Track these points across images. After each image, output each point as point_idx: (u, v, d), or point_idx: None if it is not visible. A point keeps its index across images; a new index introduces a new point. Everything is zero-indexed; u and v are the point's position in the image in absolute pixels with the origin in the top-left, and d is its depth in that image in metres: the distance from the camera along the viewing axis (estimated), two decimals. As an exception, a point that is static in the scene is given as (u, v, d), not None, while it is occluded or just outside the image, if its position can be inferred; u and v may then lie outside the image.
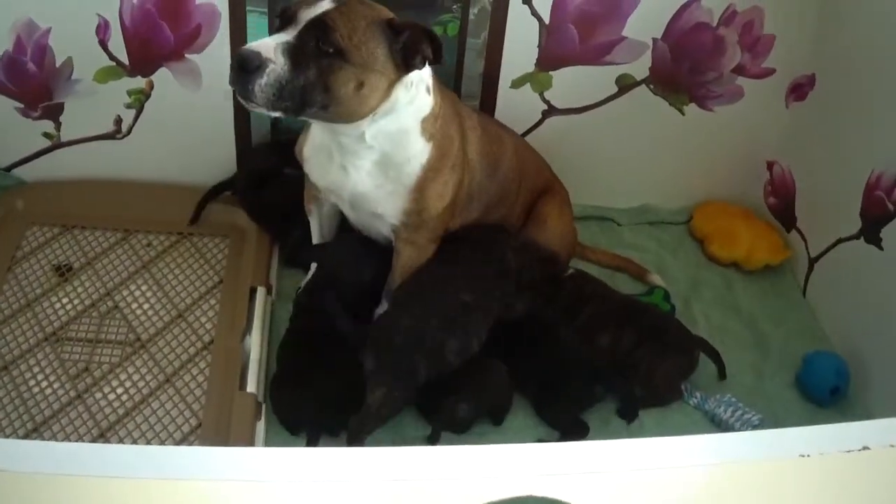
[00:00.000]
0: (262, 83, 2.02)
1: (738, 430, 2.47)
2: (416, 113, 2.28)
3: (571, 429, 2.48)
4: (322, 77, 2.07)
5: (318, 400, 2.36)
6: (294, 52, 2.04)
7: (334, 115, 2.16)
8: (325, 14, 2.06)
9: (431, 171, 2.33)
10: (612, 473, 1.37)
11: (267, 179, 2.86)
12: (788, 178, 3.07)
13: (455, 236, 2.55)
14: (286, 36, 2.06)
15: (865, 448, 1.42)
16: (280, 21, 2.12)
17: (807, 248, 2.99)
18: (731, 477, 1.41)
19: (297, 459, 1.35)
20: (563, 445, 1.41)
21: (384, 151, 2.28)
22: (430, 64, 2.21)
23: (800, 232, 3.04)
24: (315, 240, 2.71)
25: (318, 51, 2.06)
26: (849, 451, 1.42)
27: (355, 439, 2.27)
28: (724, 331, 2.85)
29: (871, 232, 2.65)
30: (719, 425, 2.53)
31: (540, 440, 2.47)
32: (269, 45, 2.03)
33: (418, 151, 2.31)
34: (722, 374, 2.63)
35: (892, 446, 1.43)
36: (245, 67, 2.01)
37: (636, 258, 3.06)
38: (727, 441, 1.50)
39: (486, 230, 2.62)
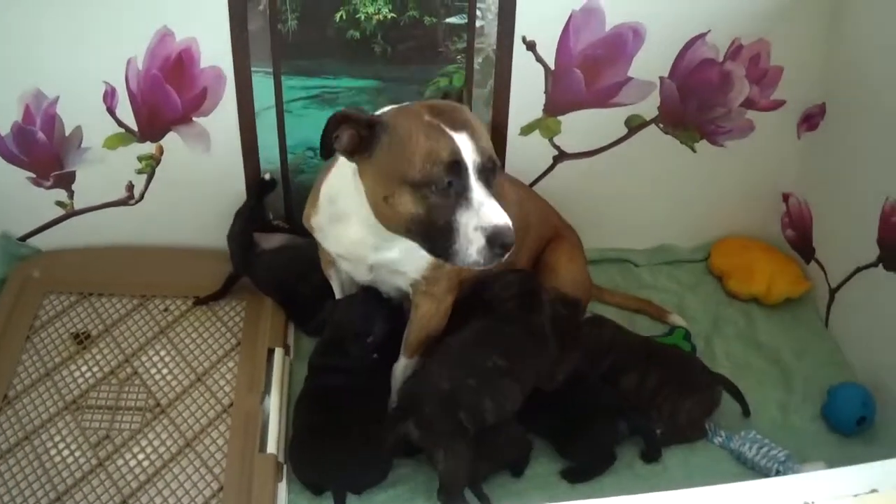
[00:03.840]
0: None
1: (764, 466, 2.45)
2: None
3: (598, 460, 2.49)
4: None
5: (338, 460, 2.34)
6: None
7: None
8: (487, 150, 2.06)
9: None
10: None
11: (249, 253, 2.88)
12: (805, 209, 3.05)
13: (484, 286, 2.56)
14: (488, 194, 2.04)
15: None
16: (451, 172, 2.01)
17: (826, 279, 2.97)
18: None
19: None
20: (607, 501, 1.38)
21: None
22: None
23: (819, 263, 3.01)
24: (338, 297, 2.69)
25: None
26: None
27: None
28: (747, 367, 2.83)
29: (889, 258, 2.63)
30: (745, 463, 2.50)
31: (563, 475, 2.48)
32: (502, 213, 2.03)
33: None
34: (745, 411, 2.61)
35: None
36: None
37: (656, 299, 3.05)
38: (793, 483, 1.47)
39: (520, 279, 2.60)
